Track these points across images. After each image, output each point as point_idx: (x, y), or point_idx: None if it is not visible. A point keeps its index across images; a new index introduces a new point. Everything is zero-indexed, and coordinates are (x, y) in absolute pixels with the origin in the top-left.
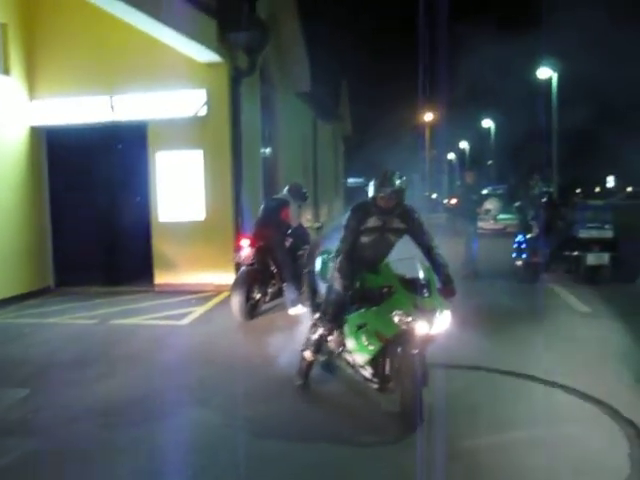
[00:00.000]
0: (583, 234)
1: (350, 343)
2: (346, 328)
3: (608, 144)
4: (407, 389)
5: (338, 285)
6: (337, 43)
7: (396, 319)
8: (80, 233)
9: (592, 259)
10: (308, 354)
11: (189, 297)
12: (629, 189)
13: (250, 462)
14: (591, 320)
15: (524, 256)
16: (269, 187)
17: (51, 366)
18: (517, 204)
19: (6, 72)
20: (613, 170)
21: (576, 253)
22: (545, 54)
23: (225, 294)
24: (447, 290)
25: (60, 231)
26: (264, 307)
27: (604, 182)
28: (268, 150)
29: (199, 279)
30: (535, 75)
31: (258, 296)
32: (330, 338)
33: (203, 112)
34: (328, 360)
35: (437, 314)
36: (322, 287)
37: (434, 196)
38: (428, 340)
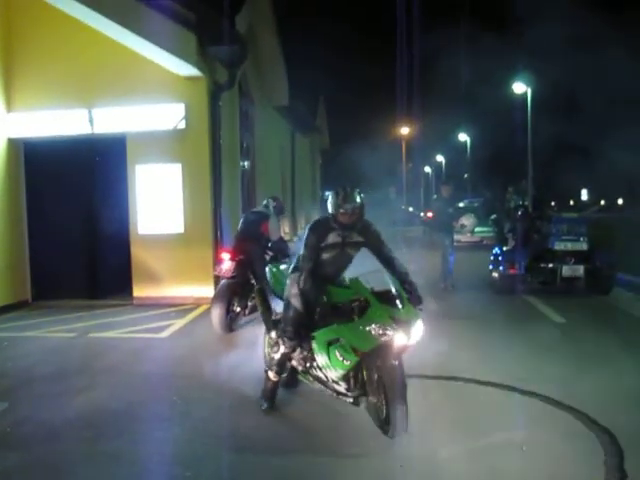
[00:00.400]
0: (558, 246)
1: (321, 359)
2: (314, 344)
3: (581, 158)
4: (391, 400)
5: (296, 302)
6: (315, 58)
7: (374, 332)
8: (58, 246)
9: (567, 271)
10: (272, 375)
11: (168, 310)
12: (602, 202)
13: (232, 474)
14: (566, 330)
15: (501, 268)
16: (248, 200)
17: (30, 379)
18: (493, 217)
19: None
20: (587, 183)
21: (551, 265)
22: (521, 69)
23: (205, 307)
24: (414, 298)
25: (38, 244)
26: (244, 320)
27: (578, 195)
28: (247, 163)
29: (178, 292)
30: (511, 90)
31: (238, 309)
32: (293, 355)
33: (182, 125)
34: (288, 377)
35: (413, 324)
36: (275, 303)
37: (411, 209)
38: (403, 350)
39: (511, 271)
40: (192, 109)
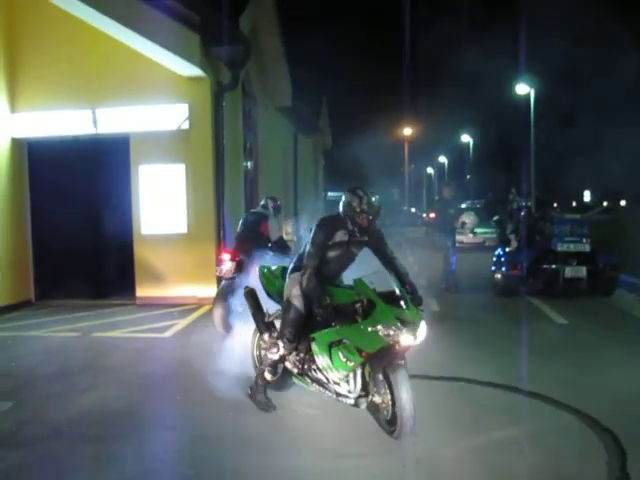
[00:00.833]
0: (561, 248)
1: (322, 361)
2: (314, 346)
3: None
4: (398, 400)
5: (298, 303)
6: (318, 59)
7: (380, 333)
8: (61, 246)
9: (570, 272)
10: (269, 375)
11: (171, 310)
12: (604, 203)
13: (235, 473)
14: (568, 332)
15: (503, 269)
16: (251, 200)
17: (34, 379)
18: (496, 218)
19: None
20: (589, 185)
21: (554, 266)
22: (524, 70)
23: (208, 307)
24: (415, 298)
25: (41, 244)
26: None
27: (581, 196)
28: (250, 164)
29: (182, 292)
30: (514, 91)
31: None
32: (289, 357)
33: (185, 126)
34: (280, 379)
35: (418, 324)
36: (269, 304)
37: (413, 210)
38: (408, 350)
39: (513, 272)
40: (195, 109)
